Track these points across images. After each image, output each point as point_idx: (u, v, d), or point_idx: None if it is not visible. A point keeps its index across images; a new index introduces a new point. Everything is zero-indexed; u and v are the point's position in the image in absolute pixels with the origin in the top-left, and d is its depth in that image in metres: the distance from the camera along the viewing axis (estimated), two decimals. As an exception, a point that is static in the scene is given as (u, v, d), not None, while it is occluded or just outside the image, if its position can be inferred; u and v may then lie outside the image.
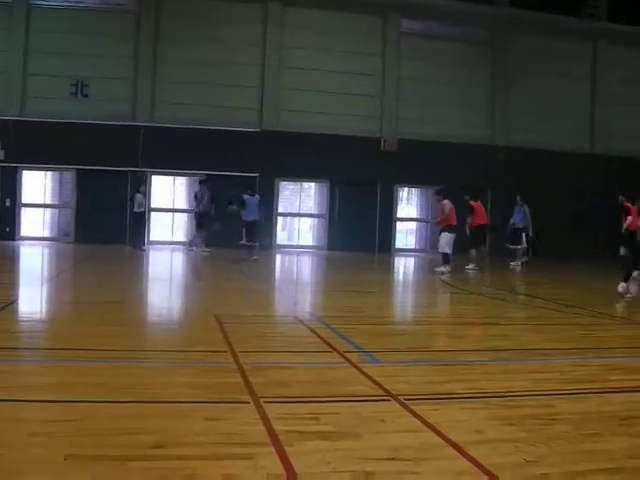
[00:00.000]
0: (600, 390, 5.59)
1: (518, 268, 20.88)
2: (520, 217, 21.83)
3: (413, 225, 29.99)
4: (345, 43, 27.21)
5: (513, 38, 29.14)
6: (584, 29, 29.71)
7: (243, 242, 19.61)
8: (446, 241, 17.65)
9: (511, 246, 21.95)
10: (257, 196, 20.14)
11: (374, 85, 27.81)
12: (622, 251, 17.75)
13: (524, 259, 21.71)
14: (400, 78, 27.98)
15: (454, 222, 17.90)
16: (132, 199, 23.65)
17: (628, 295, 12.54)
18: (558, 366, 6.62)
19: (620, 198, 19.12)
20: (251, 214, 19.52)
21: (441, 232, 17.95)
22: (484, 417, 4.65)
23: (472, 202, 20.16)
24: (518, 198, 21.84)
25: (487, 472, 3.57)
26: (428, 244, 28.84)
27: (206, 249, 22.45)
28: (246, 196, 19.64)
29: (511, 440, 4.14)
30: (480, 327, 9.18)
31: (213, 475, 3.41)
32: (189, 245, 23.75)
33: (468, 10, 28.31)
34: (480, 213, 20.15)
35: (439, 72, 28.19)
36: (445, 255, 17.50)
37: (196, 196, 23.46)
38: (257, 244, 19.84)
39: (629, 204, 18.45)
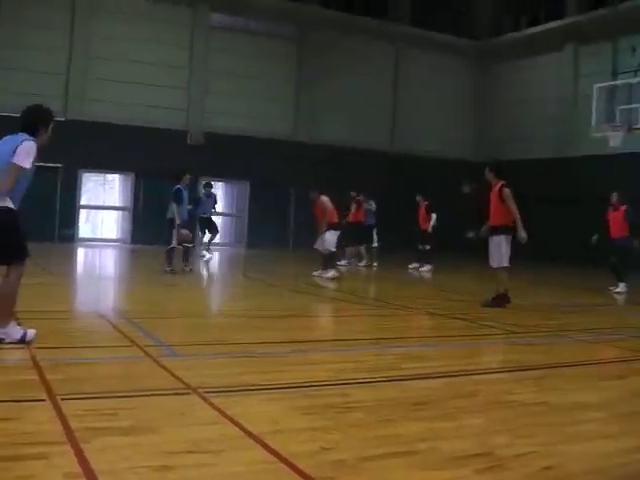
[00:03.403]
0: (396, 378, 5.86)
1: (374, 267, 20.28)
2: (368, 216, 21.03)
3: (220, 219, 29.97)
4: (154, 33, 26.67)
5: (320, 36, 29.71)
6: (386, 31, 30.86)
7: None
8: (333, 240, 16.38)
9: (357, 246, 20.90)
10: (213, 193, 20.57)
11: (182, 77, 27.49)
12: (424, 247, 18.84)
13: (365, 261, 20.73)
14: (208, 71, 27.84)
15: (336, 219, 16.84)
16: None
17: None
18: (356, 356, 6.88)
19: (418, 197, 19.95)
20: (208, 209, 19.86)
21: (325, 231, 16.33)
22: (283, 407, 4.77)
23: (359, 197, 20.54)
24: (361, 197, 20.97)
25: (285, 461, 3.66)
26: (233, 238, 28.93)
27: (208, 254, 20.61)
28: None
29: (309, 429, 4.28)
30: (282, 320, 9.32)
31: (4, 479, 3.28)
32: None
33: (277, 6, 28.63)
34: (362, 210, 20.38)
35: (247, 66, 28.26)
36: (332, 254, 16.37)
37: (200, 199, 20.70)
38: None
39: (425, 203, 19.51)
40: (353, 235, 19.97)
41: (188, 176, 15.96)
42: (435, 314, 10.43)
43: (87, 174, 26.59)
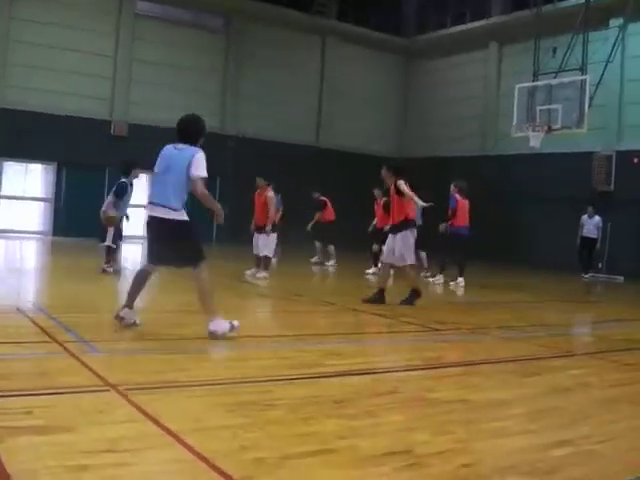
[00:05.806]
0: (317, 375, 5.87)
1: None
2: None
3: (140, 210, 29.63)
4: (78, 20, 26.13)
5: (248, 28, 29.67)
6: (313, 25, 30.97)
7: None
8: (273, 245, 15.35)
9: None
10: None
11: (106, 66, 27.06)
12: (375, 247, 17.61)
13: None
14: (133, 61, 27.48)
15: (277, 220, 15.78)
16: None
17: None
18: (279, 352, 6.87)
19: (376, 191, 18.43)
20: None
21: (269, 230, 15.14)
22: (205, 405, 4.73)
23: (323, 197, 20.25)
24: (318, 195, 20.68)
25: (204, 459, 3.62)
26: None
27: None
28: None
29: (229, 427, 4.23)
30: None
31: None
32: None
33: (205, -4, 28.53)
34: (330, 209, 20.07)
35: (174, 57, 28.03)
36: (267, 258, 15.22)
37: None
38: None
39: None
40: (327, 234, 19.75)
41: (138, 170, 14.40)
42: (358, 310, 10.48)
43: (8, 163, 25.98)
